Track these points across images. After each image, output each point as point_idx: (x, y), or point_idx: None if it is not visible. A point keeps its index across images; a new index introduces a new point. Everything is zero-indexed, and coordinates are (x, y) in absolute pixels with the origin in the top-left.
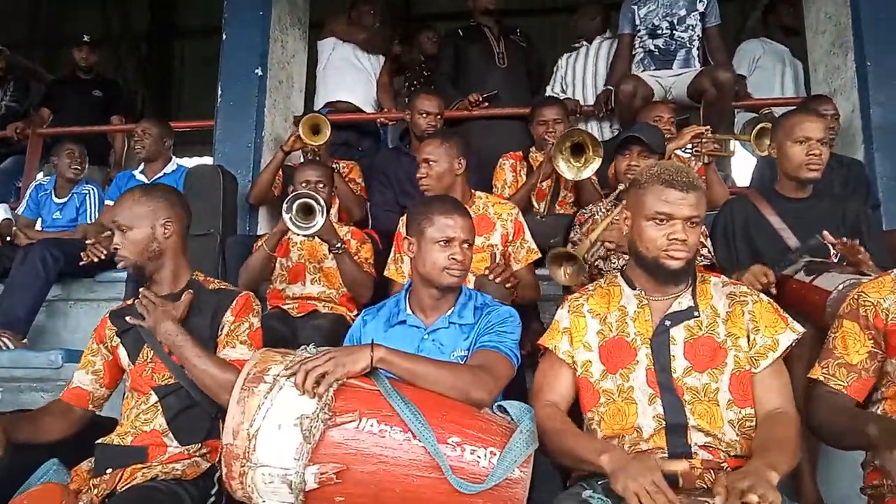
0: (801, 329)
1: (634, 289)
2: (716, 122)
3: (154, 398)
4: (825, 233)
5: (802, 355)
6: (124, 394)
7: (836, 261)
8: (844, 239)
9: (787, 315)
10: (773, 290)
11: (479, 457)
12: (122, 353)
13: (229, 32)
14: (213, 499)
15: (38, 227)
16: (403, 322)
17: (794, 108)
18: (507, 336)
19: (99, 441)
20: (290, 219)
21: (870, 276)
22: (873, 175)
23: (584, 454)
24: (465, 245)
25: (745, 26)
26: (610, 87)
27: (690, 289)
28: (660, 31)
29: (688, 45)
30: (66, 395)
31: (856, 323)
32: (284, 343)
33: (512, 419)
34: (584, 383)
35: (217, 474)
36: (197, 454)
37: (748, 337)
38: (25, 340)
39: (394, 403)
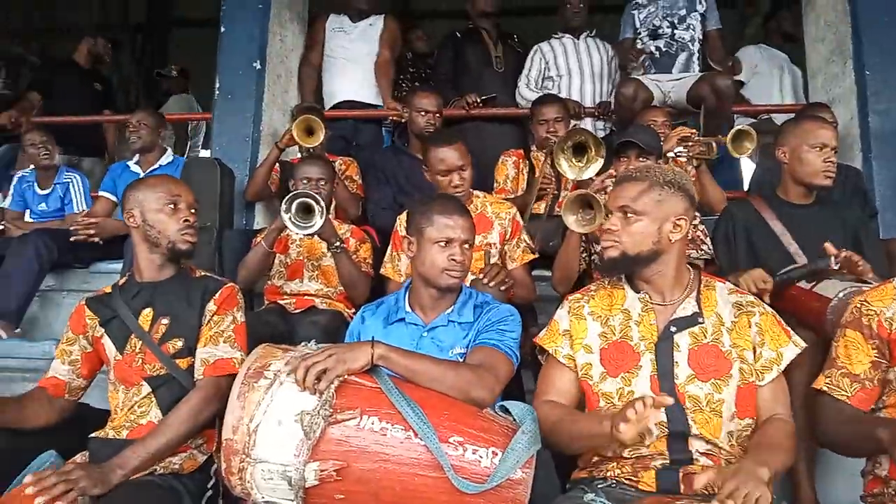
0: (803, 343)
1: (639, 292)
2: (715, 129)
3: (147, 389)
4: (827, 244)
5: (802, 363)
6: (108, 385)
7: (835, 267)
8: (843, 252)
9: (789, 328)
10: (767, 298)
11: (480, 456)
12: (108, 343)
13: (228, 25)
14: (209, 492)
15: (27, 219)
16: (402, 320)
17: (802, 113)
18: (507, 334)
19: (93, 435)
20: (290, 218)
21: (870, 283)
22: (871, 184)
23: (588, 429)
24: (466, 245)
25: (745, 33)
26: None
27: (694, 294)
28: (661, 31)
29: (689, 48)
30: (43, 383)
31: (859, 332)
32: (281, 339)
33: (514, 420)
34: (585, 386)
35: (213, 467)
36: (192, 445)
37: (754, 350)
38: (18, 330)
39: (395, 401)
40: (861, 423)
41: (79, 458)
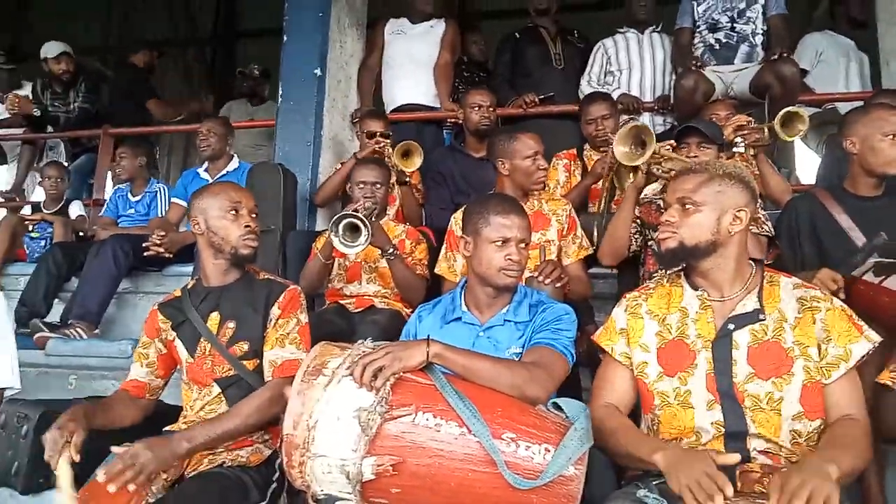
0: (876, 338)
1: (697, 290)
2: None
3: (217, 390)
4: None
5: (872, 359)
6: (182, 384)
7: None
8: None
9: (861, 323)
10: (842, 295)
11: (533, 453)
12: (180, 346)
13: (290, 34)
14: (274, 485)
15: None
16: (459, 319)
17: (871, 101)
18: (562, 334)
19: (167, 429)
20: (339, 241)
21: None
22: None
23: (639, 453)
24: (522, 245)
25: (813, 18)
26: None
27: (756, 290)
28: (720, 25)
29: (750, 39)
30: (125, 386)
31: None
32: (342, 336)
33: (567, 417)
34: (641, 385)
35: (278, 461)
36: (259, 440)
37: (819, 346)
38: (97, 331)
39: (449, 398)
40: None
41: None
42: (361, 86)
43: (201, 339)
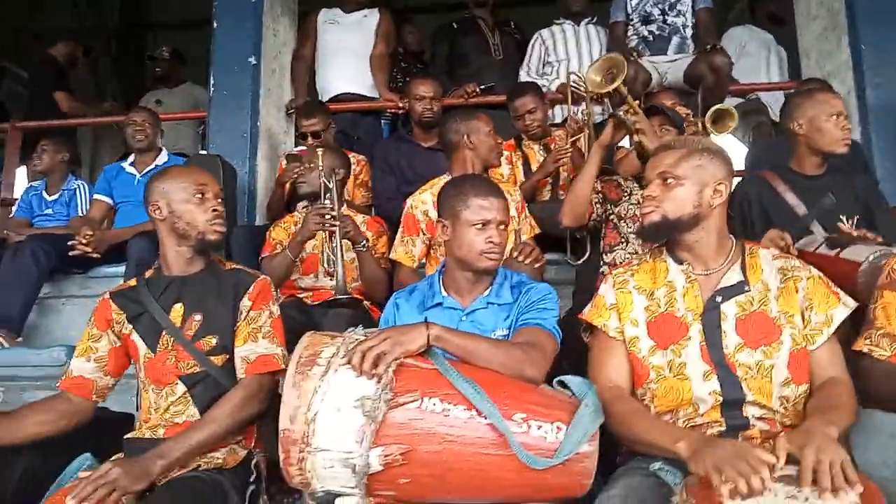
0: (853, 303)
1: (681, 264)
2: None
3: (182, 388)
4: (840, 224)
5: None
6: (138, 386)
7: (855, 234)
8: (856, 233)
9: (838, 290)
10: (794, 251)
11: (545, 432)
12: (138, 340)
13: (221, 21)
14: (252, 486)
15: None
16: (440, 304)
17: (807, 87)
18: (548, 313)
19: (128, 435)
20: None
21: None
22: (870, 155)
23: (658, 441)
24: (501, 227)
25: (728, 17)
26: None
27: (739, 262)
28: (652, 18)
29: (681, 31)
30: (66, 384)
31: None
32: (303, 331)
33: (573, 394)
34: (633, 359)
35: (254, 461)
36: (233, 441)
37: (802, 314)
38: (20, 339)
39: (455, 381)
40: None
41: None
42: (296, 77)
43: (163, 333)
